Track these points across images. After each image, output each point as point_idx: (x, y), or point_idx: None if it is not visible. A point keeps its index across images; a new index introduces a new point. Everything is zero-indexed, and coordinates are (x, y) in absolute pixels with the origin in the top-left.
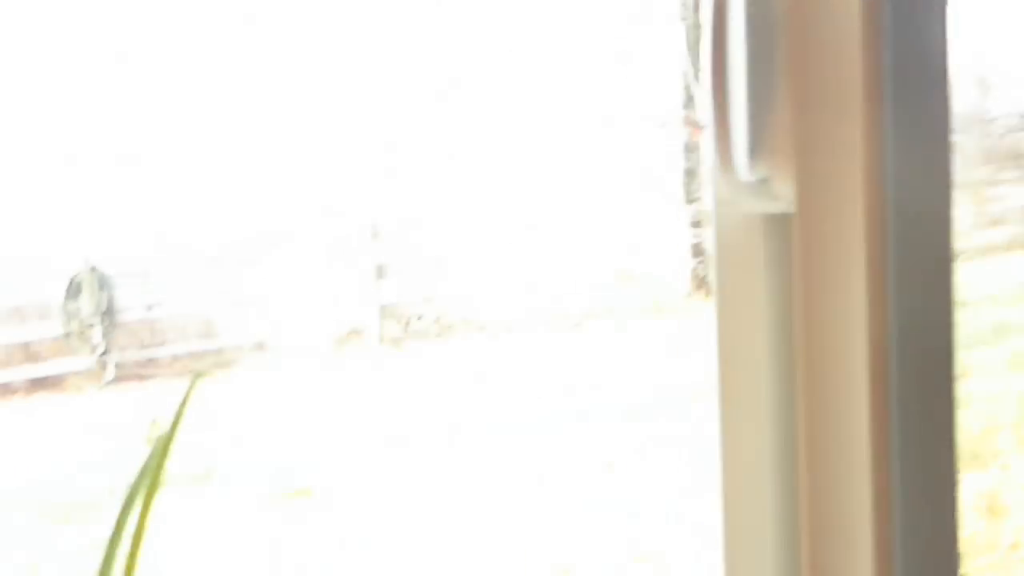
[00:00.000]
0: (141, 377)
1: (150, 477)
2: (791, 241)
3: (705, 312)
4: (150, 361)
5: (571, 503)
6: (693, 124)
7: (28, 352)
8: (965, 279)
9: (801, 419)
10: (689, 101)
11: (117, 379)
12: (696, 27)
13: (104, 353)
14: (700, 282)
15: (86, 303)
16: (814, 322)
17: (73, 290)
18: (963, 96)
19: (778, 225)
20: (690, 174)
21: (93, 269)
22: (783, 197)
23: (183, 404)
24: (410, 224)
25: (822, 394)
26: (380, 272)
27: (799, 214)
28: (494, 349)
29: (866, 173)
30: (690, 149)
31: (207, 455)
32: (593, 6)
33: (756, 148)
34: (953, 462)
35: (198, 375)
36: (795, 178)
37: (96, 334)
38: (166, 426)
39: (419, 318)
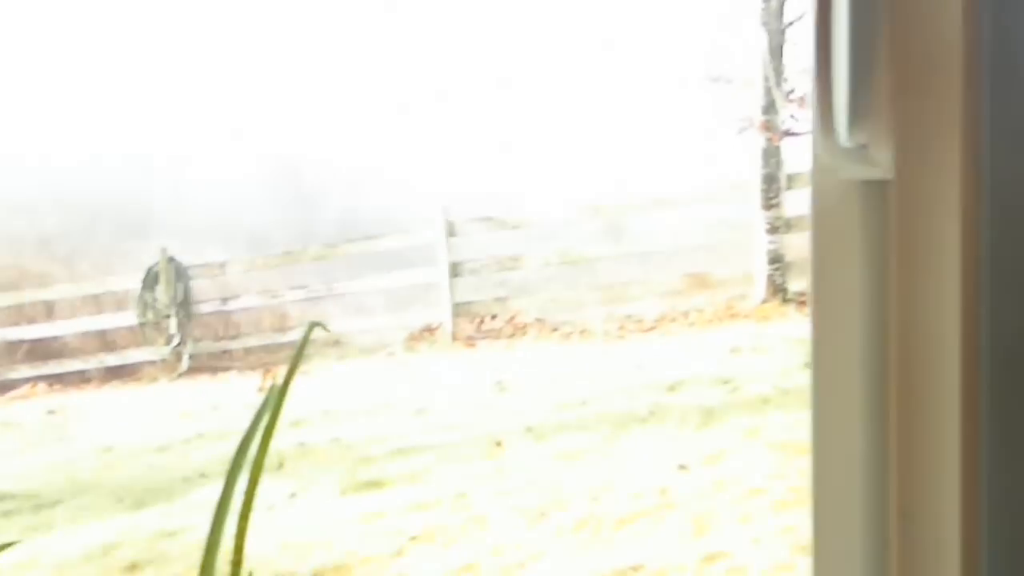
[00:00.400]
0: (214, 369)
1: (261, 438)
2: (887, 207)
3: (779, 318)
4: (224, 353)
5: (646, 504)
6: (772, 129)
7: (104, 341)
8: None
9: (893, 391)
10: (770, 106)
11: (191, 370)
12: (779, 33)
13: (179, 344)
14: (776, 288)
15: (162, 294)
16: (907, 288)
17: (150, 280)
18: None
19: (875, 191)
20: (768, 180)
21: (171, 260)
22: (881, 163)
23: (299, 351)
24: (484, 224)
25: (913, 365)
26: (455, 270)
27: (896, 180)
28: (565, 351)
29: (964, 142)
30: (769, 154)
31: (280, 446)
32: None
33: (856, 114)
34: None
35: (312, 327)
36: (893, 145)
37: (171, 325)
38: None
39: (492, 317)
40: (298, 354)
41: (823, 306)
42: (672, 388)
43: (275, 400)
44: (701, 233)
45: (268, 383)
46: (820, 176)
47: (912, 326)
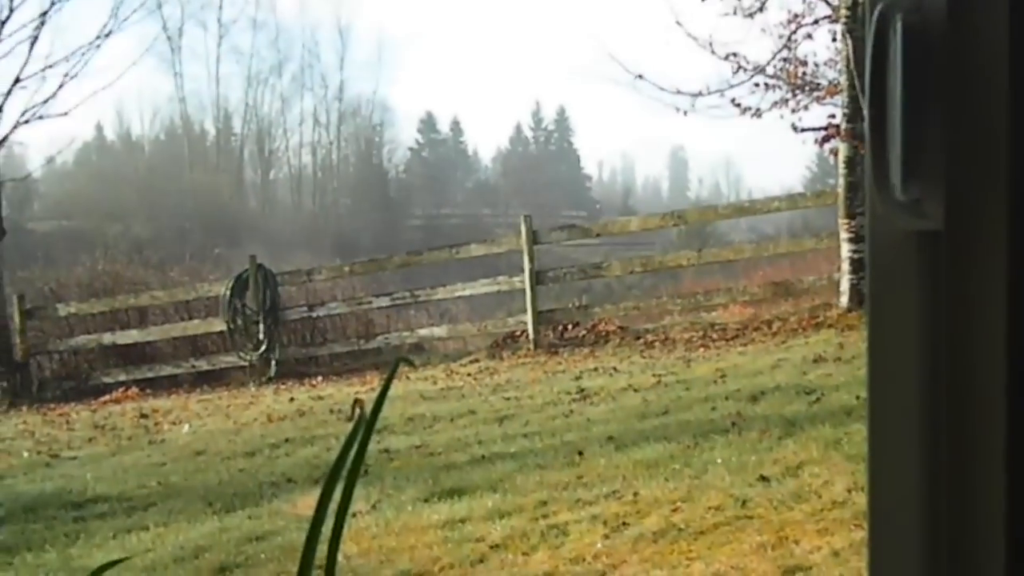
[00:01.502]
0: (301, 375)
1: (353, 455)
2: (939, 256)
3: (864, 328)
4: (311, 359)
5: (727, 515)
6: (858, 137)
7: (195, 346)
8: None
9: (944, 431)
10: (855, 114)
11: (279, 376)
12: (864, 40)
13: (267, 350)
14: (861, 297)
15: (251, 300)
16: (957, 337)
17: (239, 287)
18: None
19: (929, 241)
20: (852, 188)
21: (260, 267)
22: (934, 216)
23: (386, 385)
24: (567, 232)
25: (961, 411)
26: (538, 279)
27: (946, 232)
28: (647, 359)
29: (1009, 199)
30: (854, 163)
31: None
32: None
33: (909, 170)
34: None
35: (400, 360)
36: (944, 200)
37: (260, 331)
38: (367, 408)
39: (574, 325)
40: (385, 387)
41: (880, 347)
42: (754, 398)
43: (362, 433)
44: (785, 241)
45: (356, 412)
46: (876, 225)
47: (962, 369)
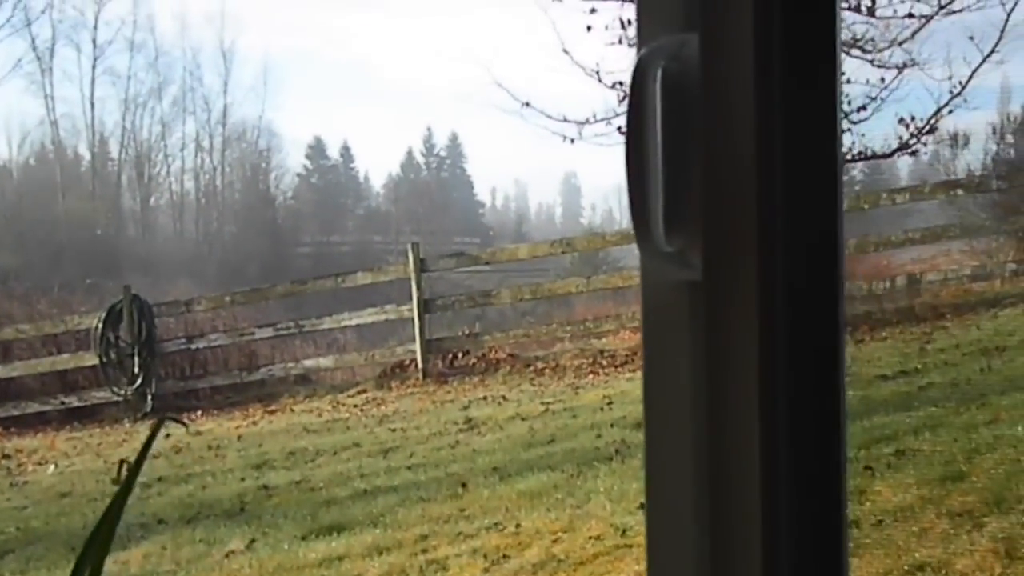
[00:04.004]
0: (179, 410)
1: (107, 522)
2: (702, 306)
3: None
4: (190, 393)
5: (607, 545)
6: None
7: (64, 382)
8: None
9: (709, 456)
10: None
11: (155, 411)
12: None
13: (142, 384)
14: None
15: (125, 333)
16: (716, 380)
17: (113, 319)
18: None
19: (694, 291)
20: None
21: (135, 297)
22: (696, 267)
23: (147, 444)
24: (457, 260)
25: (720, 440)
26: (427, 307)
27: (705, 284)
28: (536, 387)
29: (760, 249)
30: None
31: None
32: None
33: (671, 222)
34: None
35: (161, 421)
36: (702, 251)
37: (135, 364)
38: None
39: (464, 353)
40: (146, 445)
41: (653, 395)
42: (639, 425)
43: (123, 489)
44: None
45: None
46: (646, 274)
47: (720, 407)
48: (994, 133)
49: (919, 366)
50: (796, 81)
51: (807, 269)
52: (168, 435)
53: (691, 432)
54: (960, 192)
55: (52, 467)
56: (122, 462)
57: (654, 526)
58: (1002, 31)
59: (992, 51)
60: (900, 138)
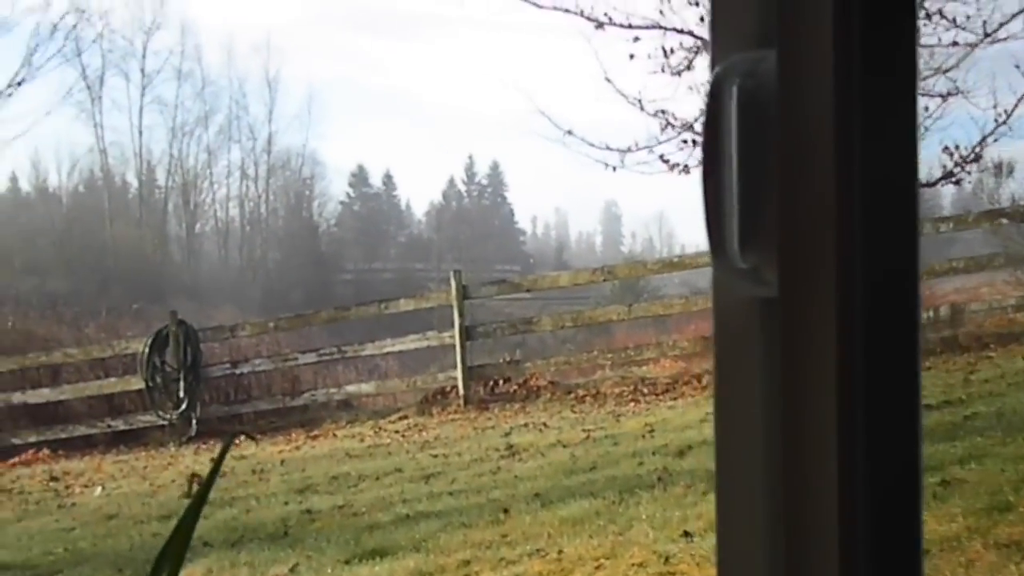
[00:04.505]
0: (223, 434)
1: (181, 534)
2: (778, 323)
3: None
4: (234, 417)
5: (650, 572)
6: None
7: (111, 405)
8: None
9: (783, 479)
10: None
11: (200, 435)
12: None
13: (187, 409)
14: None
15: (171, 357)
16: (792, 397)
17: (159, 344)
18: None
19: (769, 308)
20: None
21: (181, 322)
22: (771, 283)
23: (219, 460)
24: (498, 287)
25: (799, 465)
26: (468, 334)
27: (781, 301)
28: (577, 414)
29: (838, 265)
30: None
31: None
32: None
33: (746, 237)
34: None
35: (232, 437)
36: (778, 268)
37: (180, 389)
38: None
39: (505, 380)
40: (218, 462)
41: (726, 413)
42: (681, 453)
43: (194, 504)
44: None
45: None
46: (718, 291)
47: (795, 426)
48: None
49: (963, 396)
50: (875, 97)
51: (885, 287)
52: (212, 459)
53: (764, 452)
54: (1005, 221)
55: (99, 489)
56: (193, 477)
57: (725, 553)
58: None
59: None
60: (944, 167)
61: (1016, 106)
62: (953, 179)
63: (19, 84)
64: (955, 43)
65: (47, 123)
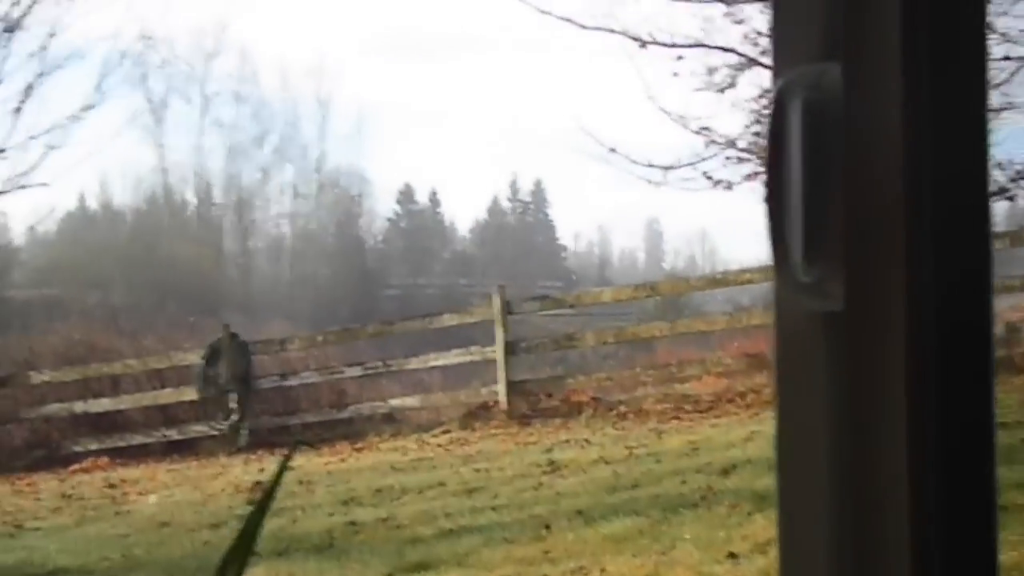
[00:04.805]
0: (272, 445)
1: (245, 540)
2: (842, 336)
3: None
4: (282, 429)
5: None
6: None
7: (166, 415)
8: None
9: (850, 516)
10: None
11: (250, 446)
12: None
13: (238, 420)
14: None
15: (224, 369)
16: (861, 418)
17: (213, 356)
18: None
19: (833, 322)
20: None
21: (233, 336)
22: (836, 297)
23: (283, 465)
24: (540, 303)
25: (867, 486)
26: (511, 349)
27: (847, 315)
28: (619, 431)
29: (908, 279)
30: None
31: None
32: None
33: (810, 251)
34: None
35: (296, 446)
36: (844, 281)
37: (231, 400)
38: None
39: (547, 395)
40: (282, 468)
41: (787, 429)
42: (725, 472)
43: (257, 513)
44: (760, 312)
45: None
46: (781, 305)
47: (865, 450)
48: None
49: (1021, 418)
50: (945, 107)
51: (956, 299)
52: (262, 470)
53: (829, 473)
54: None
55: (153, 497)
56: (257, 483)
57: None
58: None
59: None
60: (997, 182)
61: None
62: (1007, 195)
63: (90, 108)
64: (1007, 57)
65: (114, 144)
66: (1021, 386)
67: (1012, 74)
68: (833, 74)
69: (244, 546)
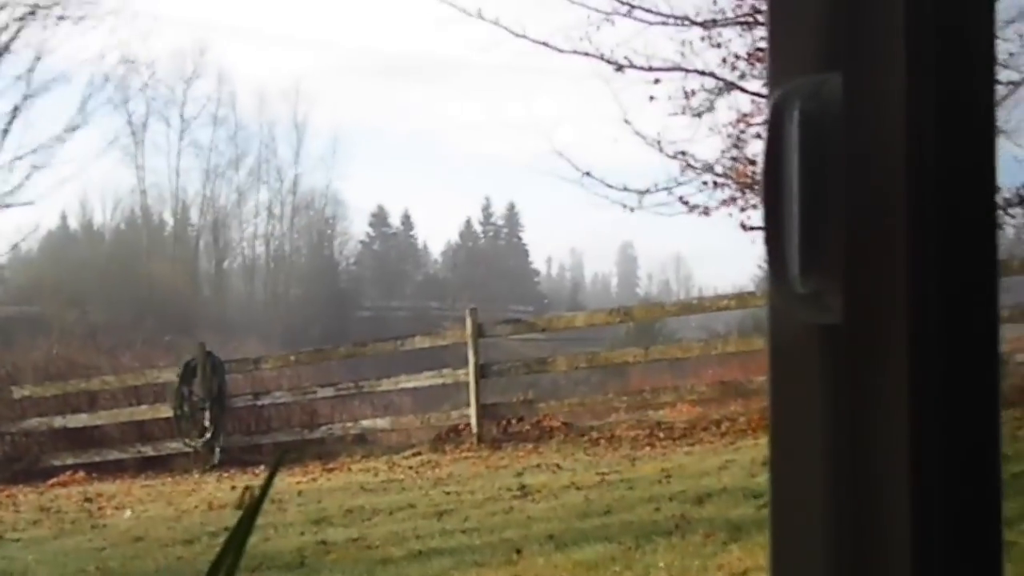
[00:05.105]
0: (244, 463)
1: (234, 547)
2: (841, 351)
3: None
4: (254, 447)
5: None
6: None
7: (142, 432)
8: None
9: (847, 530)
10: None
11: (222, 463)
12: None
13: (212, 438)
14: None
15: (199, 387)
16: (859, 432)
17: (188, 374)
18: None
19: (830, 335)
20: None
21: (209, 354)
22: (834, 309)
23: (271, 475)
24: (512, 326)
25: (865, 508)
26: (483, 372)
27: (846, 327)
28: (591, 456)
29: (909, 291)
30: None
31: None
32: None
33: (807, 262)
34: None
35: (286, 451)
36: (843, 293)
37: (206, 418)
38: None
39: (519, 420)
40: (270, 477)
41: (782, 442)
42: (700, 500)
43: (247, 518)
44: (735, 340)
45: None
46: (776, 318)
47: (864, 465)
48: None
49: (1010, 452)
50: (951, 119)
51: (960, 310)
52: (234, 487)
53: (824, 492)
54: None
55: (128, 512)
56: (246, 488)
57: None
58: None
59: None
60: None
61: None
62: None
63: (74, 130)
64: (996, 82)
65: (95, 165)
66: (1011, 420)
67: (1002, 99)
68: (833, 84)
69: (233, 554)
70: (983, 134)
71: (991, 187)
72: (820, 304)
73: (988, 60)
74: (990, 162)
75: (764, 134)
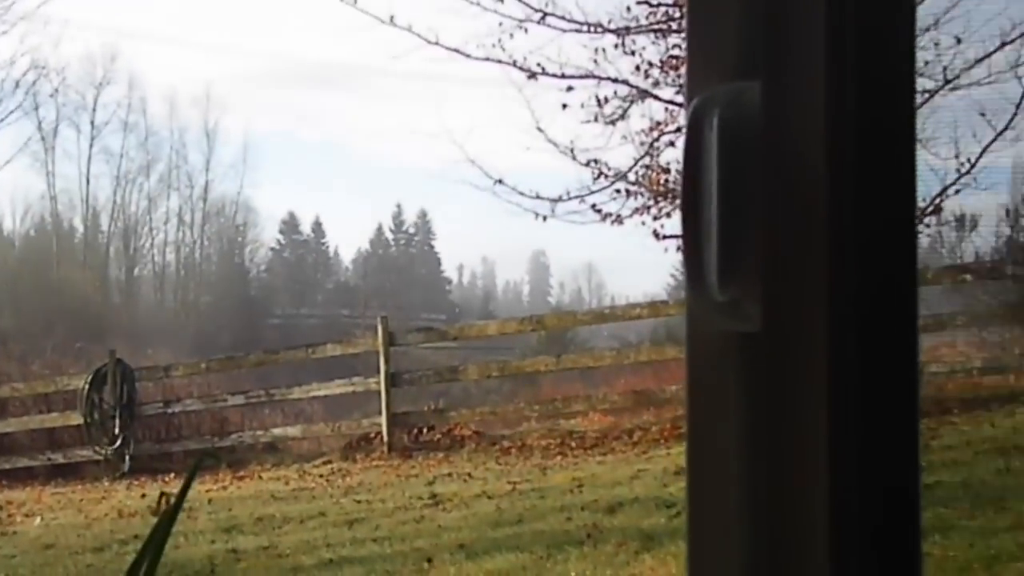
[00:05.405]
0: (154, 471)
1: (152, 550)
2: (760, 360)
3: None
4: (164, 455)
5: None
6: None
7: (52, 439)
8: None
9: (765, 535)
10: None
11: (132, 471)
12: None
13: (122, 445)
14: None
15: (109, 395)
16: (777, 442)
17: (98, 381)
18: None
19: (749, 343)
20: None
21: (119, 361)
22: (753, 317)
23: (189, 480)
24: (424, 334)
25: (782, 519)
26: (394, 380)
27: (765, 335)
28: (502, 466)
29: (829, 299)
30: None
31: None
32: None
33: (726, 270)
34: None
35: (204, 456)
36: (762, 301)
37: (115, 426)
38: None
39: (429, 428)
40: (187, 482)
41: (699, 453)
42: (612, 510)
43: (164, 524)
44: (647, 349)
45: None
46: (694, 326)
47: (781, 475)
48: (1007, 216)
49: (924, 463)
50: (871, 128)
51: (880, 323)
52: (144, 495)
53: (741, 503)
54: (969, 278)
55: (38, 520)
56: (163, 495)
57: None
58: (1018, 106)
59: (1007, 127)
60: None
61: (980, 156)
62: None
63: None
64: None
65: (5, 171)
66: (925, 431)
67: (918, 107)
68: (753, 92)
69: (151, 559)
70: (903, 143)
71: (911, 196)
72: (738, 312)
73: (909, 68)
74: (910, 171)
75: (683, 141)
